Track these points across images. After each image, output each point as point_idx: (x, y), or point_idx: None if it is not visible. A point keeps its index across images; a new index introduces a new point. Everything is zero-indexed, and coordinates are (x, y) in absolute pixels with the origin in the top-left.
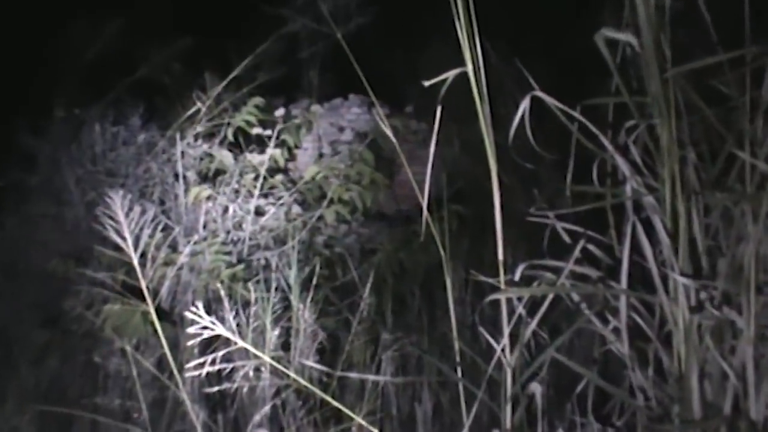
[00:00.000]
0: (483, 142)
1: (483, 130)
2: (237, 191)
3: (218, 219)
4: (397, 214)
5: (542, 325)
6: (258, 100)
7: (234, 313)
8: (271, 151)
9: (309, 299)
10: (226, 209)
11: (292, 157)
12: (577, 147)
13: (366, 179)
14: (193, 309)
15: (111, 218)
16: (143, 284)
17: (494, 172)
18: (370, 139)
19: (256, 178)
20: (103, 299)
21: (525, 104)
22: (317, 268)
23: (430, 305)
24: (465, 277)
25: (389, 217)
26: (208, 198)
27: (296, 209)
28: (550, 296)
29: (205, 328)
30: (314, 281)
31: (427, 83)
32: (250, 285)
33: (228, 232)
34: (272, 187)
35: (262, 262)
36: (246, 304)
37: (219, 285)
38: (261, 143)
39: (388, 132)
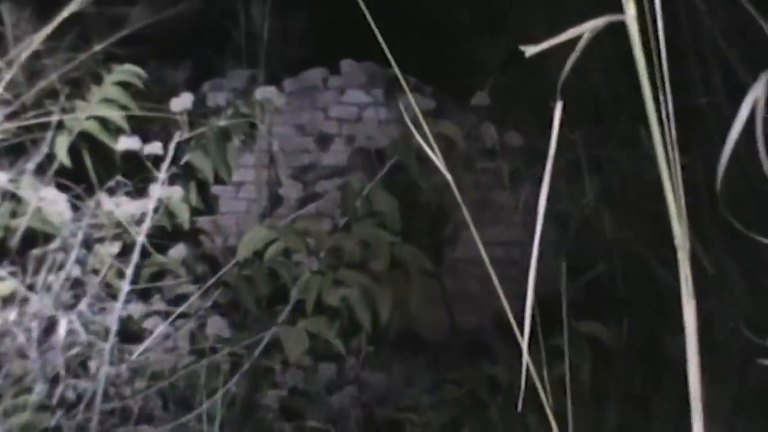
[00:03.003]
0: (654, 180)
1: (658, 151)
2: (79, 284)
3: (32, 348)
4: (451, 340)
5: None
6: (128, 72)
7: None
8: (161, 191)
9: None
10: (49, 326)
11: (208, 203)
12: None
13: (381, 259)
14: None
15: None
16: None
17: (683, 247)
18: (391, 163)
19: (123, 254)
20: None
21: (758, 93)
22: None
23: None
24: None
25: (433, 348)
26: (8, 299)
27: (218, 326)
28: None
29: None
30: None
31: (527, 50)
32: None
33: (54, 381)
34: (161, 275)
35: None
36: None
37: None
38: (137, 173)
39: (431, 152)
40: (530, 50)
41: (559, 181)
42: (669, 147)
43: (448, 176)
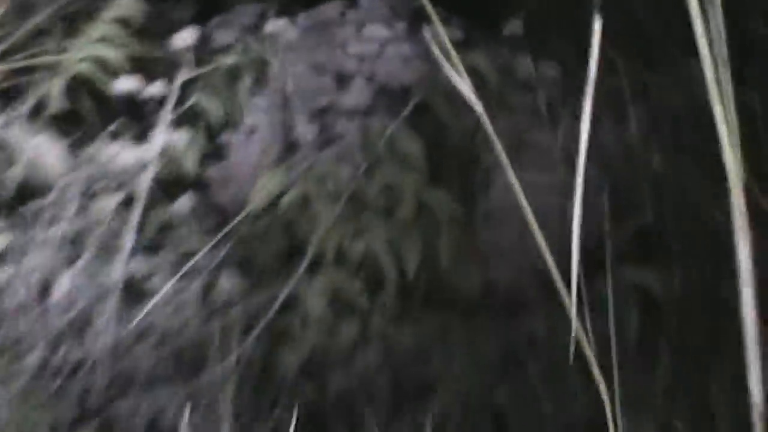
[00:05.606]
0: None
1: (708, 78)
2: (78, 239)
3: (29, 309)
4: (487, 296)
5: None
6: (127, 7)
7: None
8: (166, 135)
9: None
10: (48, 284)
11: (218, 150)
12: None
13: (407, 205)
14: None
15: None
16: None
17: (735, 180)
18: (414, 103)
19: (126, 206)
20: None
21: None
22: None
23: None
24: None
25: (466, 303)
26: (3, 255)
27: (231, 282)
28: None
29: None
30: None
31: None
32: None
33: (55, 344)
34: (168, 228)
35: (145, 419)
36: None
37: None
38: (138, 117)
39: (463, 86)
40: None
41: (601, 113)
42: (721, 75)
43: (478, 108)
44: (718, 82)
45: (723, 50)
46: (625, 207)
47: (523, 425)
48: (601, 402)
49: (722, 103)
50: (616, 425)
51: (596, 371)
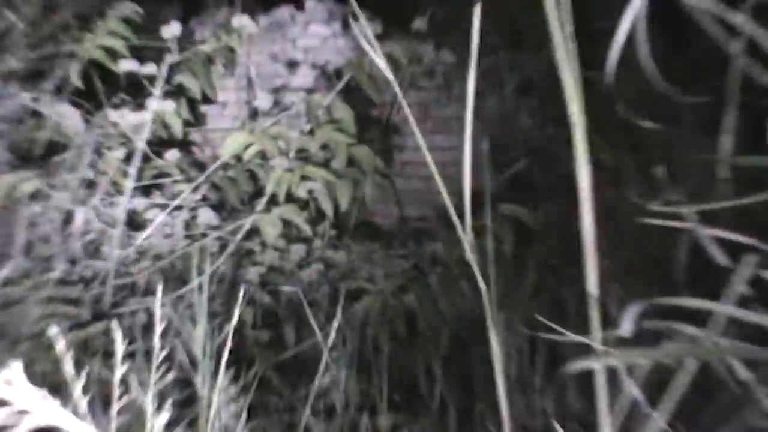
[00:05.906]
0: (559, 84)
1: (559, 52)
2: (91, 183)
3: (54, 236)
4: (400, 226)
5: (678, 422)
6: (128, 7)
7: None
8: (157, 104)
9: (235, 388)
10: (68, 217)
11: (197, 119)
12: (745, 85)
13: (340, 158)
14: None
15: None
16: None
17: (579, 133)
18: (345, 80)
19: (127, 159)
20: None
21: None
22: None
23: (463, 390)
24: (527, 335)
25: (385, 232)
26: (34, 196)
27: (207, 216)
28: (693, 366)
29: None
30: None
31: None
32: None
33: (73, 262)
34: (159, 175)
35: (143, 319)
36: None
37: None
38: (136, 91)
39: (382, 66)
40: None
41: (484, 87)
42: (568, 50)
43: (394, 86)
44: (567, 59)
45: (570, 38)
46: (502, 159)
47: (427, 320)
48: (483, 302)
49: (569, 75)
50: (493, 319)
51: (480, 280)
